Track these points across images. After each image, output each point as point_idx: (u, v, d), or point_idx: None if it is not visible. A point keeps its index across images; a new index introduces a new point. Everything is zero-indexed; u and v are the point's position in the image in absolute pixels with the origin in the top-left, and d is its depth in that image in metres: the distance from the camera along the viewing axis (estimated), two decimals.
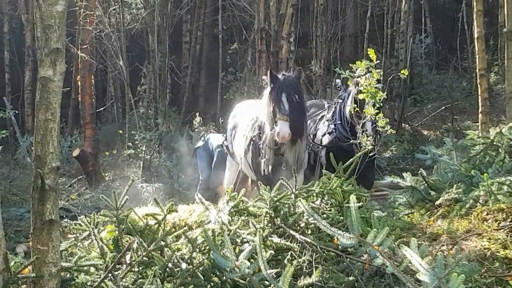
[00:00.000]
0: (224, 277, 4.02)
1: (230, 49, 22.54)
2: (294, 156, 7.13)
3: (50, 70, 3.56)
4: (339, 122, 8.00)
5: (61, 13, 3.58)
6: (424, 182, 6.25)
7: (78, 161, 14.26)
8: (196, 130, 12.67)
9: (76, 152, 13.99)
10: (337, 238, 3.77)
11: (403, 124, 16.68)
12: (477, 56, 9.19)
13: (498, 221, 4.80)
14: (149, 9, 17.08)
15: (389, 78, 12.26)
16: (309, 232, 4.79)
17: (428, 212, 5.71)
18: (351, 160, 5.99)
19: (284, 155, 7.14)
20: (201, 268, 4.16)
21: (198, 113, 13.30)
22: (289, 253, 4.52)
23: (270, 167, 7.19)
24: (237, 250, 4.19)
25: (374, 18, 21.44)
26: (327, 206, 5.30)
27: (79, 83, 14.54)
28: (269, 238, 4.60)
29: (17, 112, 18.50)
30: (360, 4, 22.94)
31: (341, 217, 4.97)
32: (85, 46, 13.90)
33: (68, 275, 4.24)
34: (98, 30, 15.15)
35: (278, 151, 7.12)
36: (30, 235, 3.77)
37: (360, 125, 7.09)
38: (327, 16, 20.05)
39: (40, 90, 3.58)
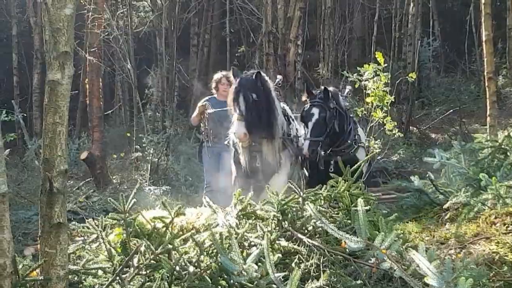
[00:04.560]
0: (232, 281, 4.01)
1: (238, 52, 22.59)
2: (268, 155, 7.07)
3: (58, 74, 3.57)
4: None
5: (70, 17, 3.59)
6: (432, 185, 6.23)
7: (86, 164, 14.27)
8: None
9: (84, 155, 13.99)
10: (345, 242, 3.76)
11: (410, 127, 16.66)
12: (485, 59, 9.16)
13: (507, 225, 4.79)
14: (157, 12, 17.11)
15: (397, 82, 12.26)
16: (317, 235, 4.78)
17: (436, 216, 5.70)
18: (358, 164, 5.99)
19: (258, 154, 7.13)
20: (208, 272, 4.15)
21: None
22: (297, 256, 4.51)
23: (246, 164, 7.15)
24: (244, 254, 4.19)
25: (382, 21, 21.45)
26: (334, 210, 5.30)
27: (87, 86, 14.56)
28: (277, 242, 4.59)
29: (25, 115, 18.54)
30: (367, 7, 22.93)
31: (349, 221, 4.96)
32: (93, 49, 13.91)
33: (76, 278, 4.24)
34: (106, 33, 15.17)
35: (254, 149, 7.08)
36: (38, 238, 3.78)
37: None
38: (334, 19, 20.08)
39: (49, 93, 3.59)
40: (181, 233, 4.61)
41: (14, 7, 22.52)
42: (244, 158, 7.16)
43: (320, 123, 7.15)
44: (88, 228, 4.78)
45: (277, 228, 4.81)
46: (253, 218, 5.05)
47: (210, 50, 23.37)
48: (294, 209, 5.05)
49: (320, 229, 4.72)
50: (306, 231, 4.84)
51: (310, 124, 7.18)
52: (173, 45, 17.08)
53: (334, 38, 19.71)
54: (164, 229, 4.66)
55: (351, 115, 7.83)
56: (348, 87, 8.58)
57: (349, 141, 7.52)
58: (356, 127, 7.79)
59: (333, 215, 5.17)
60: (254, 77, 6.90)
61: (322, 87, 7.52)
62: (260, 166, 7.11)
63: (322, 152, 7.21)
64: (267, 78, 7.16)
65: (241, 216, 5.08)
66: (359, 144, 7.68)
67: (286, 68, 16.53)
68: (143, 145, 14.21)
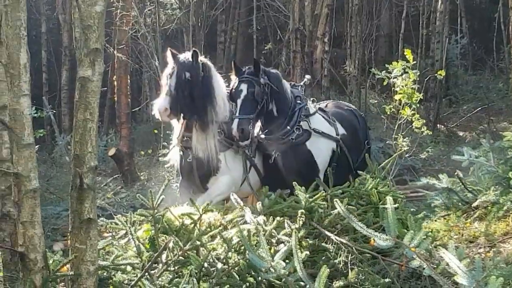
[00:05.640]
0: (260, 277, 4.02)
1: (264, 49, 22.57)
2: (198, 147, 6.54)
3: (89, 70, 3.59)
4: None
5: (100, 14, 3.61)
6: (460, 183, 6.18)
7: (114, 160, 14.34)
8: None
9: (112, 152, 14.06)
10: (374, 240, 3.74)
11: (438, 125, 16.54)
12: None
13: None
14: (184, 9, 17.18)
15: (426, 79, 12.18)
16: (345, 233, 4.77)
17: (465, 214, 5.67)
18: (387, 161, 5.95)
19: (191, 149, 6.64)
20: (236, 268, 4.16)
21: None
22: (325, 254, 4.51)
23: (179, 161, 6.84)
24: (272, 251, 4.19)
25: (409, 19, 21.32)
26: (362, 207, 5.28)
27: (115, 83, 14.63)
28: (305, 239, 4.59)
29: (54, 111, 18.67)
30: (395, 4, 22.81)
31: (377, 219, 4.95)
32: (121, 46, 13.97)
33: (105, 274, 4.27)
34: (134, 31, 15.24)
35: (186, 145, 6.67)
36: (67, 234, 3.81)
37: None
38: (361, 16, 19.98)
39: (79, 90, 3.61)
40: (209, 229, 4.60)
41: (43, 4, 22.71)
42: (176, 153, 6.88)
43: (249, 100, 6.56)
44: (117, 224, 4.81)
45: (305, 225, 4.80)
46: (280, 215, 5.04)
47: (236, 47, 23.35)
48: (322, 206, 5.05)
49: (348, 226, 4.71)
50: (334, 228, 4.83)
51: (239, 102, 6.56)
52: (200, 42, 17.12)
53: (361, 35, 19.61)
54: (192, 225, 4.68)
55: (299, 102, 7.03)
56: (307, 77, 8.05)
57: (288, 127, 6.77)
58: (308, 114, 7.03)
59: (361, 212, 5.15)
60: (191, 57, 6.47)
61: (253, 61, 6.86)
62: (192, 163, 6.63)
63: (257, 134, 6.73)
64: (209, 62, 6.70)
65: (269, 213, 5.09)
66: (312, 132, 6.95)
67: (313, 66, 16.50)
68: (170, 142, 14.24)
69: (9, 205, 4.00)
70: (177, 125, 6.68)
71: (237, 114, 6.48)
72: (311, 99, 7.46)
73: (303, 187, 5.26)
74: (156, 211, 4.50)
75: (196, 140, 6.52)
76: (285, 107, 6.87)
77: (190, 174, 6.72)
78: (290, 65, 17.00)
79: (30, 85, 3.70)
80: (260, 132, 6.83)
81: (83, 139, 3.61)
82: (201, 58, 6.59)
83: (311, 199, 5.04)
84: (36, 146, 3.74)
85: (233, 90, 6.67)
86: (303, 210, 4.84)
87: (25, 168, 3.56)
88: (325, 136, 7.08)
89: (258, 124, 6.77)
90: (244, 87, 6.59)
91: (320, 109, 7.40)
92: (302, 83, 7.51)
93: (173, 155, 6.99)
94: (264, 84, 6.63)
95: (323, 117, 7.27)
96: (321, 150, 6.98)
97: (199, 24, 17.19)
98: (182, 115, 6.45)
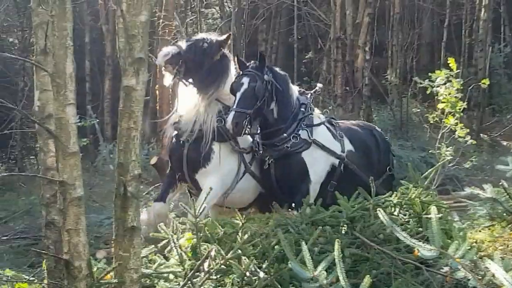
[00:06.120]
0: (302, 287, 4.00)
1: (305, 58, 22.54)
2: (189, 114, 6.41)
3: (133, 79, 3.62)
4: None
5: (145, 23, 3.64)
6: (505, 193, 6.08)
7: (156, 169, 14.39)
8: None
9: (153, 160, 14.08)
10: (418, 250, 3.69)
11: (481, 134, 16.33)
12: None
13: None
14: (225, 19, 17.26)
15: (469, 88, 12.04)
16: (388, 243, 4.72)
17: (510, 225, 5.57)
18: (430, 170, 5.88)
19: (184, 124, 6.46)
20: (278, 278, 4.15)
21: None
22: (367, 264, 4.47)
23: (169, 141, 6.78)
24: (314, 260, 4.17)
25: (452, 27, 21.08)
26: (405, 217, 5.23)
27: (157, 92, 14.72)
28: (347, 249, 4.56)
29: (97, 120, 18.84)
30: (437, 13, 22.58)
31: (420, 229, 4.89)
32: None
33: (148, 282, 4.30)
34: (175, 40, 15.35)
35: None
36: (110, 242, 3.84)
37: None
38: (403, 25, 19.85)
39: (124, 98, 3.65)
40: (251, 238, 4.60)
41: (87, 15, 22.98)
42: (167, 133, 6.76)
43: (249, 94, 6.34)
44: (160, 232, 4.84)
45: (347, 235, 4.78)
46: (322, 224, 5.02)
47: (277, 57, 23.34)
48: (364, 216, 5.01)
49: (391, 236, 4.67)
50: (376, 238, 4.79)
51: (238, 94, 6.34)
52: (241, 51, 17.17)
53: (403, 44, 19.48)
54: (235, 234, 4.67)
55: (303, 110, 6.80)
56: (318, 85, 7.60)
57: (285, 134, 6.56)
58: (311, 123, 6.76)
59: (404, 222, 5.10)
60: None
61: (258, 54, 6.71)
62: (184, 145, 6.40)
63: (250, 130, 6.39)
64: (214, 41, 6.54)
65: (311, 222, 5.07)
66: (312, 142, 6.66)
67: (354, 75, 16.46)
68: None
69: (54, 213, 4.06)
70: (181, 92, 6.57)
71: (234, 107, 6.28)
72: (324, 110, 7.37)
73: (345, 197, 5.24)
74: (198, 219, 4.51)
75: (198, 107, 6.38)
76: (287, 111, 6.69)
77: (179, 161, 6.48)
78: (331, 74, 17.01)
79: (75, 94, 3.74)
80: (257, 137, 6.70)
81: (127, 148, 3.64)
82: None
83: (353, 209, 5.01)
84: (80, 155, 3.78)
85: (234, 83, 6.51)
86: (345, 220, 4.82)
87: (70, 176, 3.60)
88: (325, 150, 6.76)
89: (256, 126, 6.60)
90: (245, 80, 6.43)
91: (329, 121, 7.10)
92: (312, 92, 7.24)
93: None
94: (268, 81, 6.49)
95: (328, 129, 6.97)
96: (316, 161, 6.68)
97: (240, 34, 17.24)
98: (182, 70, 6.35)
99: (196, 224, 4.51)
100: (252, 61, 6.64)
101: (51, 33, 3.63)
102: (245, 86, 6.39)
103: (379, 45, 20.99)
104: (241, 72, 6.58)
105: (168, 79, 6.47)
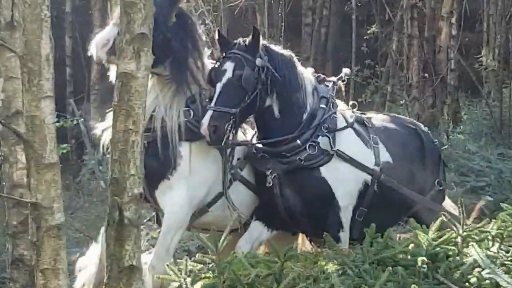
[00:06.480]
0: None
1: (367, 33, 22.48)
2: (164, 112, 5.91)
3: (132, 63, 3.63)
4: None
5: None
6: None
7: None
8: None
9: None
10: None
11: None
12: None
13: None
14: None
15: None
16: None
17: None
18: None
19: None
20: None
21: None
22: None
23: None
24: None
25: None
26: (508, 255, 5.19)
27: None
28: None
29: (82, 119, 18.65)
30: None
31: None
32: None
33: None
34: (189, 9, 15.40)
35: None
36: (100, 286, 3.86)
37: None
38: None
39: (119, 90, 3.65)
40: (293, 283, 4.60)
41: None
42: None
43: (234, 85, 5.86)
44: (169, 274, 4.84)
45: (427, 279, 4.76)
46: (392, 264, 5.00)
47: (328, 31, 23.27)
48: (451, 252, 4.99)
49: (488, 281, 4.64)
50: (468, 283, 4.76)
51: (219, 86, 5.87)
52: (279, 24, 17.16)
53: (503, 14, 19.31)
54: (271, 277, 4.67)
55: (323, 106, 6.28)
56: (345, 70, 6.88)
57: (298, 141, 6.08)
58: (333, 127, 6.25)
59: (506, 261, 5.07)
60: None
61: (252, 30, 6.14)
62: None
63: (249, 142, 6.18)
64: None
65: (376, 261, 5.05)
66: (335, 153, 6.17)
67: (435, 56, 16.38)
68: None
69: (23, 246, 4.08)
70: None
71: (212, 104, 5.79)
72: (351, 103, 6.87)
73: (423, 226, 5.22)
74: (220, 256, 4.51)
75: (162, 97, 5.95)
76: (295, 107, 6.26)
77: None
78: (404, 55, 16.94)
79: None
80: (255, 140, 6.35)
81: (123, 158, 3.65)
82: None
83: (435, 242, 4.99)
84: (60, 167, 3.79)
85: (214, 70, 6.05)
86: (424, 258, 4.80)
87: (46, 197, 3.61)
88: (354, 164, 6.29)
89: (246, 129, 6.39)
90: (229, 66, 5.90)
91: (358, 121, 6.60)
92: (336, 79, 6.72)
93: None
94: (262, 67, 5.95)
95: (357, 133, 6.52)
96: (344, 181, 6.26)
97: (278, 0, 17.25)
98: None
99: (218, 263, 4.52)
100: (241, 39, 6.16)
101: (22, 0, 3.65)
102: (228, 74, 5.90)
103: (470, 15, 20.87)
104: (223, 55, 6.14)
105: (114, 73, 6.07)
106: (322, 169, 6.14)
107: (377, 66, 19.92)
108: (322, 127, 6.17)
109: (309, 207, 6.16)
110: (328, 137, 6.16)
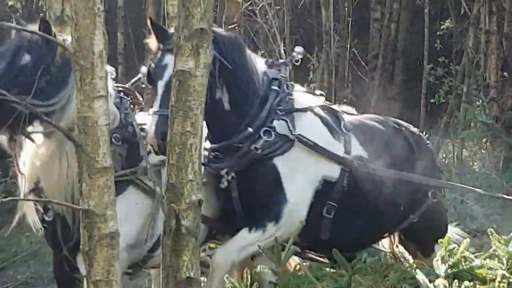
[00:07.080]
0: None
1: (441, 29, 22.32)
2: (47, 178, 5.14)
3: (190, 61, 3.65)
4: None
5: None
6: None
7: None
8: None
9: None
10: None
11: None
12: None
13: None
14: None
15: None
16: None
17: None
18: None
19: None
20: None
21: None
22: None
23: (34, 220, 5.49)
24: None
25: None
26: None
27: None
28: None
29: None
30: None
31: None
32: (232, 25, 14.17)
33: None
34: (249, 3, 15.42)
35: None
36: None
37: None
38: None
39: (177, 89, 3.67)
40: None
41: None
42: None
43: None
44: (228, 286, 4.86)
45: None
46: (469, 278, 4.96)
47: (399, 27, 23.12)
48: None
49: None
50: None
51: (160, 86, 5.47)
52: (345, 19, 17.12)
53: None
54: None
55: (275, 88, 5.95)
56: (297, 49, 6.52)
57: (250, 129, 5.75)
58: (290, 108, 5.98)
59: None
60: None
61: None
62: (56, 222, 5.24)
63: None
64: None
65: (452, 275, 5.01)
66: (296, 139, 5.84)
67: None
68: None
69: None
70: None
71: (156, 108, 5.38)
72: (318, 92, 6.45)
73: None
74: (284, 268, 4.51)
75: (37, 158, 5.22)
76: (247, 95, 5.94)
77: (58, 247, 5.43)
78: (481, 52, 16.78)
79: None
80: (205, 141, 5.83)
81: (181, 162, 3.66)
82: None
83: None
84: (113, 172, 3.78)
85: (154, 66, 5.67)
86: (504, 272, 4.75)
87: (99, 203, 3.61)
88: (319, 151, 5.98)
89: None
90: (170, 60, 4.97)
91: (323, 106, 6.33)
92: (287, 61, 6.52)
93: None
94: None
95: (321, 119, 6.23)
96: (299, 168, 5.94)
97: None
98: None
99: (280, 275, 4.51)
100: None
101: None
102: (170, 70, 5.14)
103: None
104: (161, 46, 5.69)
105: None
106: (278, 159, 5.88)
107: (451, 64, 19.71)
108: (277, 110, 5.92)
109: (256, 201, 5.81)
110: (285, 120, 5.91)
